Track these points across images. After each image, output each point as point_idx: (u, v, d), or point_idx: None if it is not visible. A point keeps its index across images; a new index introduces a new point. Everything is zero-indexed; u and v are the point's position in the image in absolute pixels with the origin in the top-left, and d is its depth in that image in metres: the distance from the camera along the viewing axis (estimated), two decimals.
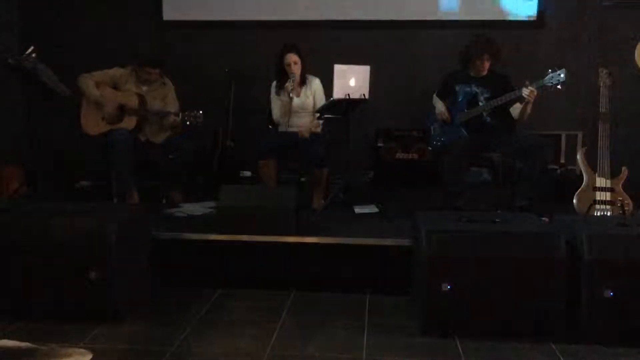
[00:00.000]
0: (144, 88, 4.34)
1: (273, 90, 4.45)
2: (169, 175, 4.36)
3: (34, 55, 4.21)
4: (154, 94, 4.35)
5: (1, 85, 4.88)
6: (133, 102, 4.23)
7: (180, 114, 4.16)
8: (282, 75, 4.35)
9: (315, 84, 4.42)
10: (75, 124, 4.29)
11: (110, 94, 4.27)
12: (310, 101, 4.39)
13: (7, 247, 2.89)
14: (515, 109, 4.06)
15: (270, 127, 4.54)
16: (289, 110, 4.30)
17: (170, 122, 4.26)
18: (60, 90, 4.33)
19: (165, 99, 4.38)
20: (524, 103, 3.92)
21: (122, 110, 4.23)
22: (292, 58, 4.31)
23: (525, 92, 3.85)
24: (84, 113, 4.29)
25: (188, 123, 4.15)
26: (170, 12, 5.44)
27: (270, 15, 5.31)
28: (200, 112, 4.09)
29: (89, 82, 4.25)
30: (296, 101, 4.32)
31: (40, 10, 5.40)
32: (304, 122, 4.36)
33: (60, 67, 4.38)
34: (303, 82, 4.39)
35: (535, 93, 3.85)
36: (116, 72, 4.34)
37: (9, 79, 4.78)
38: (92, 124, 4.26)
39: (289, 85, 4.25)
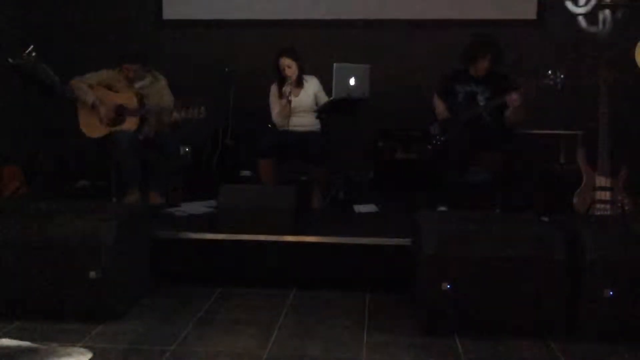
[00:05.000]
0: (137, 85, 4.31)
1: (273, 92, 4.45)
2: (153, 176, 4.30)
3: (34, 55, 4.21)
4: (148, 90, 4.32)
5: (1, 85, 4.88)
6: (132, 102, 4.22)
7: (183, 111, 4.13)
8: (280, 77, 4.37)
9: (314, 83, 4.43)
10: (75, 124, 4.28)
11: (106, 95, 4.25)
12: (309, 100, 4.39)
13: (6, 246, 2.89)
14: (507, 110, 4.07)
15: (269, 126, 4.54)
16: (288, 114, 4.31)
17: (170, 119, 4.24)
18: (59, 90, 4.32)
19: (159, 94, 4.34)
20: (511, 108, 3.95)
21: (121, 111, 4.22)
22: (285, 62, 4.32)
23: (509, 98, 3.87)
24: (82, 117, 4.26)
25: (190, 118, 4.13)
26: (170, 12, 5.44)
27: (270, 15, 5.31)
28: (203, 107, 4.07)
29: (82, 86, 4.21)
30: (294, 102, 4.32)
31: (40, 10, 5.39)
32: (303, 122, 4.36)
33: (60, 67, 4.38)
34: (299, 83, 4.39)
35: (519, 100, 3.86)
36: (107, 73, 4.31)
37: (9, 79, 4.78)
38: (92, 127, 4.24)
39: (286, 89, 4.27)
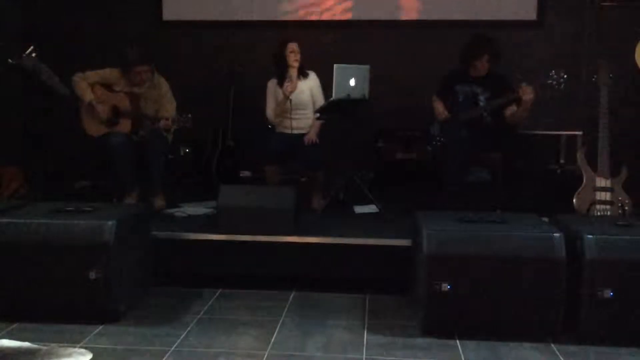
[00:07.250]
0: (136, 90, 4.30)
1: (270, 87, 4.40)
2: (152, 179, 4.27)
3: (34, 55, 4.21)
4: (147, 95, 4.29)
5: (1, 85, 4.88)
6: (125, 103, 4.20)
7: (173, 119, 4.12)
8: (282, 71, 4.31)
9: (312, 77, 4.37)
10: (75, 124, 4.28)
11: (103, 95, 4.24)
12: (305, 97, 4.33)
13: (7, 247, 2.89)
14: (508, 110, 4.05)
15: (270, 127, 4.53)
16: (285, 110, 4.28)
17: (163, 125, 4.22)
18: (60, 90, 4.32)
19: (158, 100, 4.31)
20: (521, 103, 3.91)
21: (117, 112, 4.21)
22: (293, 47, 4.27)
23: (522, 92, 3.85)
24: (84, 115, 4.26)
25: (176, 127, 4.13)
26: (170, 12, 5.44)
27: (270, 16, 5.31)
28: (189, 115, 4.05)
29: (82, 85, 4.19)
30: (292, 95, 4.23)
31: (40, 10, 5.40)
32: (304, 124, 4.34)
33: (60, 67, 4.38)
34: (302, 74, 4.34)
35: (532, 93, 3.84)
36: (109, 72, 4.28)
37: (9, 79, 4.78)
38: (92, 126, 4.24)
39: (288, 86, 4.20)
